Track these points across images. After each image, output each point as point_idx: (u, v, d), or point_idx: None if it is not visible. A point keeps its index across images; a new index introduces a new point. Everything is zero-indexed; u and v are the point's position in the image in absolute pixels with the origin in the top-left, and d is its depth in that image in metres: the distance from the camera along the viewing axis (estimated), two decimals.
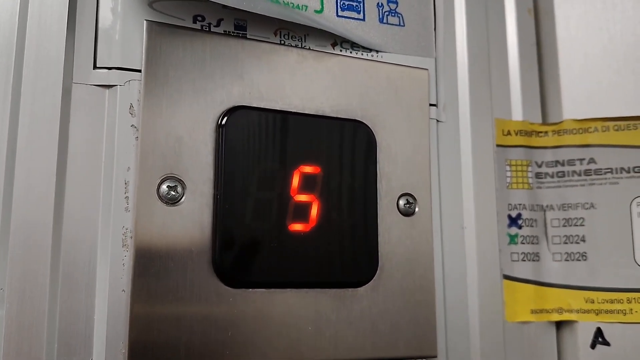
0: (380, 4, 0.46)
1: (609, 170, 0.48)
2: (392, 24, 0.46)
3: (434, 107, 0.47)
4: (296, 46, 0.43)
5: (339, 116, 0.43)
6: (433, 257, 0.44)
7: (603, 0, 0.51)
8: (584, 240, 0.48)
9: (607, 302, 0.46)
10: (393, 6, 0.46)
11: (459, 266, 0.46)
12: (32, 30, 0.36)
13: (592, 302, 0.47)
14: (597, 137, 0.49)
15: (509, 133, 0.49)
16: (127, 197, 0.37)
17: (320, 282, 0.40)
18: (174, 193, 0.37)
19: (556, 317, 0.47)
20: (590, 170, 0.48)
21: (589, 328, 0.47)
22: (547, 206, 0.49)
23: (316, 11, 0.44)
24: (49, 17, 0.37)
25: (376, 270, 0.42)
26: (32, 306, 0.34)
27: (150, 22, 0.38)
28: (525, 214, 0.48)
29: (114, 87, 0.37)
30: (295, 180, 0.40)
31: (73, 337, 0.35)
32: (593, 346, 0.46)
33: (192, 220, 0.37)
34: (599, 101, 0.50)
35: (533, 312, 0.47)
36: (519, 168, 0.49)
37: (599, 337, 0.46)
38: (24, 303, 0.34)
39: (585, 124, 0.49)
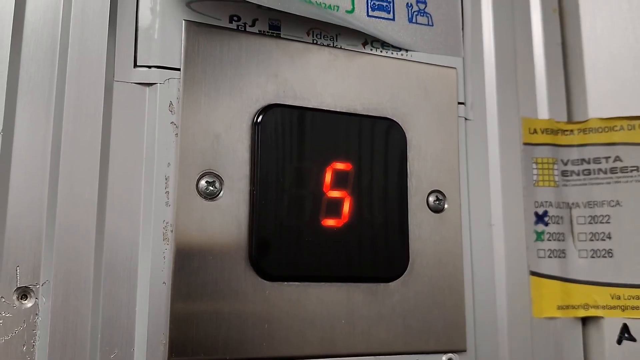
0: (409, 4, 0.47)
1: (635, 168, 0.48)
2: (421, 24, 0.47)
3: (462, 106, 0.47)
4: (328, 45, 0.44)
5: (370, 114, 0.44)
6: (462, 253, 0.45)
7: (629, 1, 0.51)
8: (609, 238, 0.48)
9: (633, 298, 0.47)
10: (422, 6, 0.47)
11: (487, 262, 0.47)
12: (75, 30, 0.37)
13: (618, 298, 0.47)
14: (623, 136, 0.49)
15: (535, 131, 0.50)
16: (167, 192, 0.37)
17: (353, 277, 0.41)
18: (212, 188, 0.38)
19: (582, 312, 0.48)
20: (616, 168, 0.49)
21: (615, 324, 0.47)
22: (573, 204, 0.49)
23: (347, 11, 0.44)
24: (91, 16, 0.38)
25: (407, 265, 0.43)
26: (76, 298, 0.35)
27: (188, 22, 0.39)
28: (552, 211, 0.49)
29: (154, 85, 0.38)
30: (328, 177, 0.41)
31: (115, 328, 0.36)
32: (619, 342, 0.47)
33: (229, 215, 0.38)
34: (624, 100, 0.50)
35: (559, 308, 0.48)
36: (546, 166, 0.50)
37: (625, 333, 0.47)
38: (68, 295, 0.35)
39: (610, 123, 0.50)
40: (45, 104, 0.36)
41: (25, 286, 0.34)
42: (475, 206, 0.47)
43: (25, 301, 0.34)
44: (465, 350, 0.44)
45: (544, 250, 0.48)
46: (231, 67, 0.40)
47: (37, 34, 0.36)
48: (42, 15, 0.37)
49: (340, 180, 0.42)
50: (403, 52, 0.46)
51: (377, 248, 0.42)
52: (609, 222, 0.48)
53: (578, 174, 0.50)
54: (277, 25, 0.42)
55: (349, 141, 0.42)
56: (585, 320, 0.49)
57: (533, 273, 0.48)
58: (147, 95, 0.38)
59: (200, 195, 0.38)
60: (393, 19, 0.46)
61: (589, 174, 0.49)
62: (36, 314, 0.34)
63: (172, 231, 0.37)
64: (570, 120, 0.51)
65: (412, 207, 0.44)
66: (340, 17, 0.44)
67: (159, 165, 0.38)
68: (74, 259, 0.35)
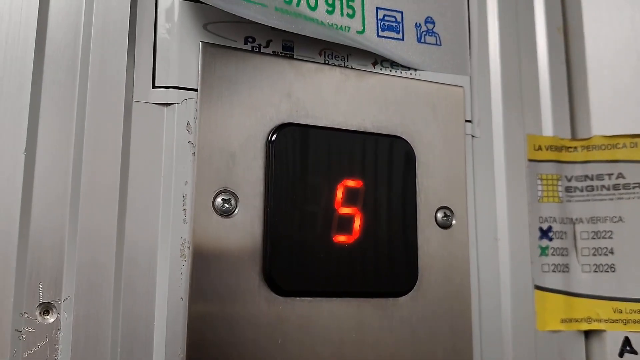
0: (418, 25, 0.48)
1: (637, 185, 0.50)
2: (430, 44, 0.48)
3: (469, 123, 0.49)
4: (339, 65, 0.45)
5: (380, 132, 0.45)
6: (469, 268, 0.46)
7: (632, 20, 0.52)
8: (612, 253, 0.49)
9: (635, 312, 0.48)
10: (430, 26, 0.48)
11: (493, 277, 0.48)
12: (95, 52, 0.38)
13: (621, 312, 0.48)
14: (626, 153, 0.50)
15: (540, 148, 0.51)
16: (184, 210, 0.39)
17: (363, 292, 0.42)
18: (228, 206, 0.39)
19: (585, 326, 0.49)
20: (619, 184, 0.50)
21: (617, 337, 0.48)
22: (576, 219, 0.51)
23: (358, 32, 0.46)
24: (111, 39, 0.39)
25: (416, 280, 0.44)
26: (97, 313, 0.36)
27: (205, 44, 0.40)
28: (556, 227, 0.50)
29: (172, 106, 0.40)
30: (339, 194, 0.42)
31: (134, 342, 0.37)
32: (621, 355, 0.48)
33: (244, 231, 0.39)
34: (627, 118, 0.51)
35: (563, 321, 0.49)
36: (550, 182, 0.51)
37: (626, 346, 0.48)
38: (90, 310, 0.36)
39: (613, 140, 0.51)
40: (67, 124, 0.37)
41: (48, 302, 0.35)
42: (481, 222, 0.48)
43: (48, 317, 0.35)
44: None
45: (548, 264, 0.49)
46: (246, 87, 0.41)
47: (58, 56, 0.38)
48: (63, 37, 0.38)
49: (351, 197, 0.43)
50: (412, 71, 0.47)
51: (387, 264, 0.43)
52: (611, 238, 0.50)
53: (582, 190, 0.51)
54: (290, 46, 0.43)
55: (360, 159, 0.44)
56: (588, 334, 0.50)
57: (537, 287, 0.49)
58: (165, 115, 0.40)
59: (217, 212, 0.39)
60: (402, 39, 0.47)
61: (592, 190, 0.50)
62: (58, 329, 0.35)
63: (189, 248, 0.38)
64: (574, 137, 0.52)
65: (420, 224, 0.45)
66: (351, 37, 0.45)
67: (177, 183, 0.39)
68: (94, 276, 0.36)
